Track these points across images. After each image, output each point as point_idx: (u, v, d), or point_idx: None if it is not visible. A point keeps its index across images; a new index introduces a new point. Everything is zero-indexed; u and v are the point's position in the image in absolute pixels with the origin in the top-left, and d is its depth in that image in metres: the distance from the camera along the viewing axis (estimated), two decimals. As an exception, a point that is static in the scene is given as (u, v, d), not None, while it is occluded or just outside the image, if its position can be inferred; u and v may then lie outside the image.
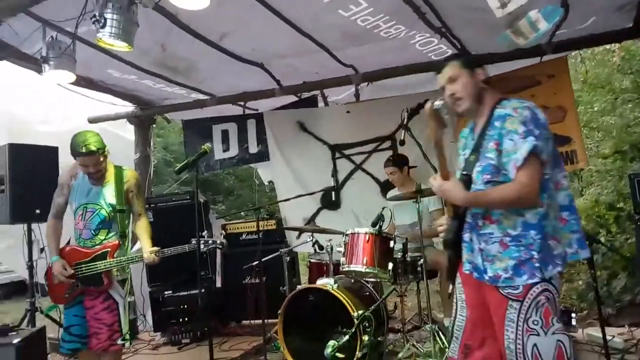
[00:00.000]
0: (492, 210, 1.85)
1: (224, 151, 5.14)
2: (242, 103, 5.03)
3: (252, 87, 4.64)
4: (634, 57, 5.49)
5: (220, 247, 2.96)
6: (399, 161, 4.09)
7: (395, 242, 3.24)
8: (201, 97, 4.79)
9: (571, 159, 4.24)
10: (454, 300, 2.05)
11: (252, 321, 4.54)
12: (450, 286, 2.04)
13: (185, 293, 4.32)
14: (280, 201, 4.63)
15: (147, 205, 3.94)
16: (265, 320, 3.60)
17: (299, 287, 3.30)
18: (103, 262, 2.79)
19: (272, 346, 3.82)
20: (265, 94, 4.69)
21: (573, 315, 3.47)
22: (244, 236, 4.82)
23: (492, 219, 1.85)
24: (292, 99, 5.04)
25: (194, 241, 2.84)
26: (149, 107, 5.09)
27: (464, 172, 1.92)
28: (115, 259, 2.81)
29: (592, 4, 3.41)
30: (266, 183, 6.34)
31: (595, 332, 3.29)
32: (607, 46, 5.81)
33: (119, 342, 2.83)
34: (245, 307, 4.43)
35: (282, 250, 3.81)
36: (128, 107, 5.04)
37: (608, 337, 2.90)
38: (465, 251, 1.95)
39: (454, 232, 1.95)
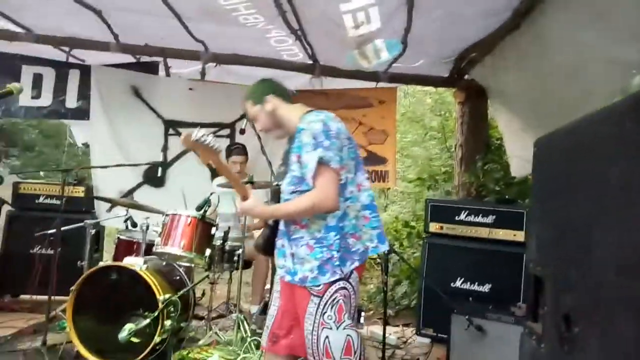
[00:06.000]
0: None
1: (33, 98, 4.35)
2: (66, 49, 4.37)
3: (82, 33, 4.04)
4: (444, 102, 6.49)
5: None
6: (246, 151, 4.02)
7: (217, 229, 3.19)
8: (13, 28, 3.94)
9: (383, 177, 4.82)
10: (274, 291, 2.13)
11: (35, 296, 3.96)
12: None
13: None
14: (97, 167, 4.08)
15: None
16: (53, 297, 3.17)
17: (101, 263, 2.99)
18: None
19: (55, 326, 3.39)
20: (97, 46, 4.14)
21: (362, 314, 3.88)
22: (40, 199, 4.19)
23: (302, 224, 1.96)
24: (128, 58, 4.56)
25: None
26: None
27: (276, 183, 2.04)
28: None
29: (423, 48, 3.91)
30: (79, 145, 5.58)
31: (377, 329, 3.75)
32: (426, 88, 6.78)
33: None
34: (28, 279, 3.85)
35: (88, 221, 3.40)
36: None
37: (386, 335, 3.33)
38: (277, 257, 2.04)
39: (264, 238, 2.06)
